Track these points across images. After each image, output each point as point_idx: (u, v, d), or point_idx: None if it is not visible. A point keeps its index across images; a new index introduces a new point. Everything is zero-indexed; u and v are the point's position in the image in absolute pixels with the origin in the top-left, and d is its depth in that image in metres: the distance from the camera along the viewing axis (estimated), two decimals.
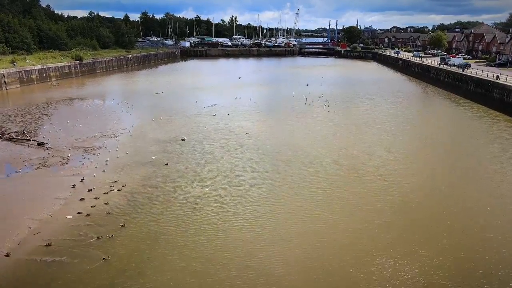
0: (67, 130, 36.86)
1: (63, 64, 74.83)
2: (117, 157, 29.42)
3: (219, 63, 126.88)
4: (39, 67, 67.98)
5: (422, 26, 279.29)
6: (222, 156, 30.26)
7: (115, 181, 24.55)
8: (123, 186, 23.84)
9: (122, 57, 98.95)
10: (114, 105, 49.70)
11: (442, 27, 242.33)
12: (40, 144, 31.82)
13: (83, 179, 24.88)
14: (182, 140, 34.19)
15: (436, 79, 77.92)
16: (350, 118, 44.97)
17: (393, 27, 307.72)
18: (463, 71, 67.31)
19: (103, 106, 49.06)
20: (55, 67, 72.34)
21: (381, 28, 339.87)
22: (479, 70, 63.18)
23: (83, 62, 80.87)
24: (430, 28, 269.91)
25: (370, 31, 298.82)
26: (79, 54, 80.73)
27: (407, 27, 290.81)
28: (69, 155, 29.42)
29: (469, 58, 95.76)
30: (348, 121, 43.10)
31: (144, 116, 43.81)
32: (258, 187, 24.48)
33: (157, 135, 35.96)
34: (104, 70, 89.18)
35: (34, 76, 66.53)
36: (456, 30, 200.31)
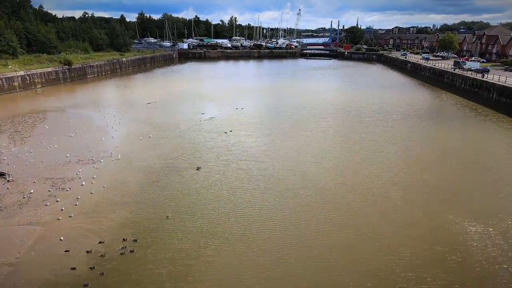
0: (38, 153, 31.42)
1: (49, 69, 69.38)
2: (91, 193, 24.00)
3: (218, 66, 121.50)
4: (22, 73, 62.53)
5: (425, 26, 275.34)
6: (230, 201, 24.70)
7: (88, 232, 19.24)
8: (100, 242, 18.52)
9: (115, 60, 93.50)
10: (99, 118, 44.27)
11: (446, 27, 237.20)
12: (1, 174, 26.44)
13: (42, 230, 19.54)
14: (197, 169, 28.46)
15: (450, 84, 72.50)
16: (365, 134, 39.48)
17: (395, 27, 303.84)
18: (482, 77, 61.93)
19: (87, 120, 43.59)
20: (40, 73, 66.89)
21: (382, 28, 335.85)
22: (500, 77, 57.78)
23: (72, 67, 75.42)
24: (432, 27, 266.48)
25: (371, 31, 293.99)
26: (67, 58, 75.28)
27: (409, 27, 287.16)
28: (32, 190, 23.97)
29: (483, 62, 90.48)
30: (362, 138, 37.66)
31: (132, 133, 38.41)
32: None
33: (145, 159, 30.52)
34: (96, 75, 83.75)
35: (16, 84, 61.11)
36: (461, 30, 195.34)
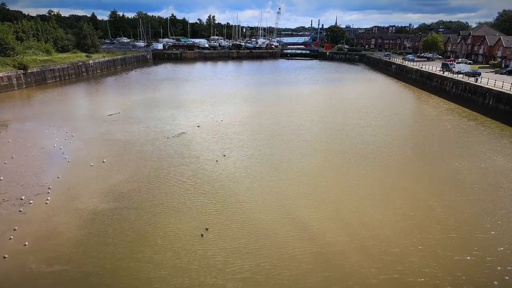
0: None
1: (0, 74, 61.40)
2: (4, 257, 17.58)
3: (195, 68, 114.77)
4: None
5: (403, 25, 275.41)
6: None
7: None
8: None
9: (80, 63, 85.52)
10: (48, 136, 37.38)
11: (425, 27, 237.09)
12: None
13: None
14: (202, 235, 19.91)
15: (439, 88, 68.62)
16: (368, 158, 34.28)
17: (374, 26, 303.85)
18: (476, 81, 57.99)
19: (32, 138, 36.64)
20: None
21: (360, 27, 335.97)
22: (496, 81, 53.99)
23: (29, 71, 67.46)
24: (409, 26, 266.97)
25: (351, 30, 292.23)
26: (23, 62, 67.27)
27: (388, 26, 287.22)
28: None
29: (470, 63, 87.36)
30: (362, 162, 32.40)
31: (83, 156, 31.88)
32: None
33: (91, 196, 24.18)
34: (57, 79, 75.88)
35: None
36: (440, 30, 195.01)
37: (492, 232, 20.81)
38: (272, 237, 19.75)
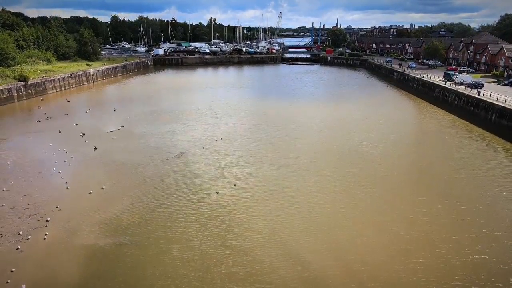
0: None
1: (0, 87, 61.21)
2: None
3: (196, 74, 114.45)
4: None
5: (404, 27, 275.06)
6: None
7: None
8: None
9: (81, 72, 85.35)
10: (47, 157, 37.03)
11: (426, 29, 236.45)
12: None
13: None
14: None
15: (442, 99, 68.25)
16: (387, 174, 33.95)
17: (374, 27, 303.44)
18: (478, 94, 57.58)
19: (31, 160, 36.21)
20: None
21: (361, 27, 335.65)
22: (499, 95, 53.60)
23: (29, 82, 67.24)
24: (410, 27, 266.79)
25: (352, 32, 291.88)
26: (23, 73, 67.03)
27: (389, 28, 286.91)
28: None
29: (471, 72, 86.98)
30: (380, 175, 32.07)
31: (82, 181, 31.57)
32: None
33: (89, 230, 23.89)
34: (58, 90, 75.66)
35: None
36: (442, 32, 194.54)
37: (494, 258, 21.19)
38: (265, 263, 19.50)
